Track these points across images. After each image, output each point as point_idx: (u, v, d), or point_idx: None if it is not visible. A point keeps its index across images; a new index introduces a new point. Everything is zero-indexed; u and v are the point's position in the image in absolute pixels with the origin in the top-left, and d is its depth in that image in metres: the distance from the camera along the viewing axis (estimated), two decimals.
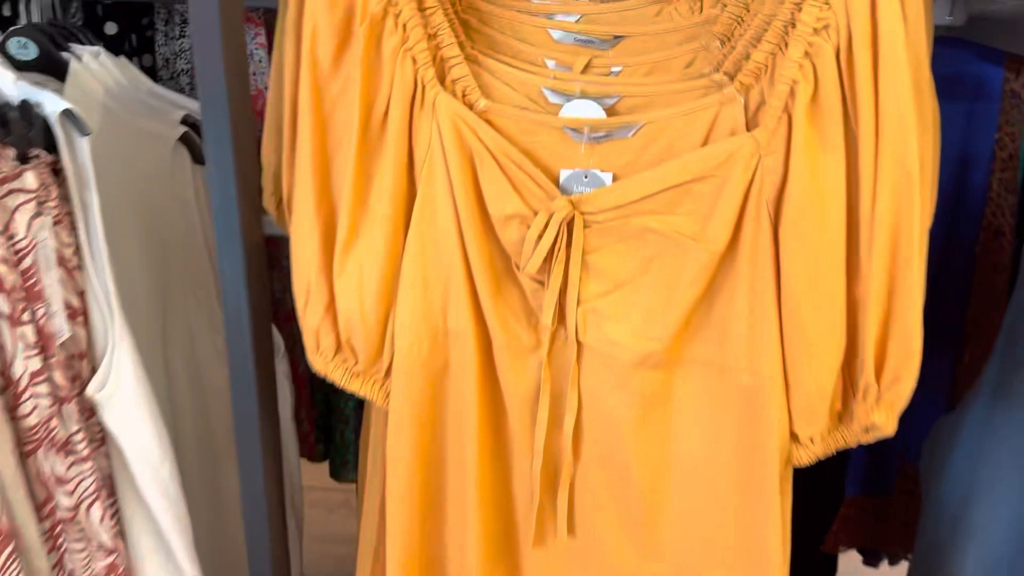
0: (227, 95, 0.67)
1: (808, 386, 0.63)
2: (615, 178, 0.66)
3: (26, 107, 0.71)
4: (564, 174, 0.67)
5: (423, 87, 0.65)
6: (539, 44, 0.71)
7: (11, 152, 0.68)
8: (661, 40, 0.69)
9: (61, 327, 0.69)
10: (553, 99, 0.68)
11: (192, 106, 0.94)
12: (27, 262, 0.68)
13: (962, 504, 0.77)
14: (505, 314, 0.68)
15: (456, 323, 0.68)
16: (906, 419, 0.64)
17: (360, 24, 0.64)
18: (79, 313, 0.71)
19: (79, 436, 0.71)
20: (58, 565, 0.73)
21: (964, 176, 0.96)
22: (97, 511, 0.73)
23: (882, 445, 0.70)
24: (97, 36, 1.09)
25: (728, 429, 0.66)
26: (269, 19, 1.13)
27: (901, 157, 0.59)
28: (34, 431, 0.69)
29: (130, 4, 1.17)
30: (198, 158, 0.89)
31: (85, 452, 0.71)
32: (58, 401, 0.70)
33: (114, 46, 1.18)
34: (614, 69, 0.69)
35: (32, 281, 0.68)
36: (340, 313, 0.69)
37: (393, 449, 0.70)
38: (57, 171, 0.71)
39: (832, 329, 0.62)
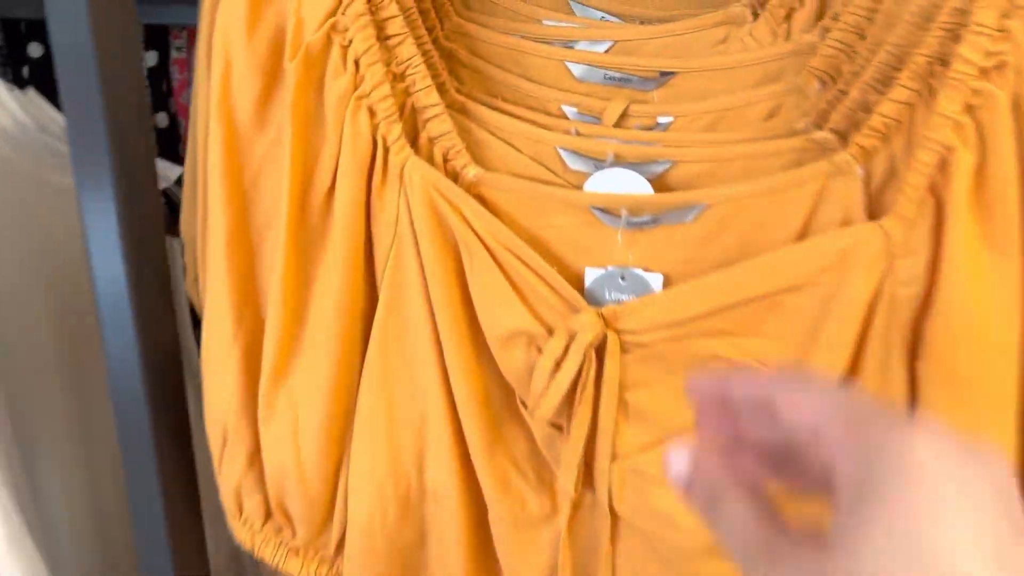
0: (107, 142, 0.47)
1: None
2: (667, 282, 0.46)
3: None
4: (592, 275, 0.46)
5: (386, 150, 0.45)
6: (554, 84, 0.50)
7: None
8: (729, 78, 0.48)
9: None
10: (575, 165, 0.47)
11: None
12: None
13: None
14: (505, 469, 0.48)
15: (435, 481, 0.48)
16: None
17: (291, 59, 0.43)
18: None
19: None
20: None
21: None
22: None
23: None
24: (18, 60, 0.92)
25: None
26: None
27: None
28: None
29: None
30: None
31: None
32: None
33: (40, 72, 0.98)
34: (662, 120, 0.48)
35: None
36: (269, 468, 0.48)
37: None
38: None
39: None
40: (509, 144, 0.48)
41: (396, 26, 0.45)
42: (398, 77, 0.45)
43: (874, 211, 0.42)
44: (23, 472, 0.65)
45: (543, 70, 0.50)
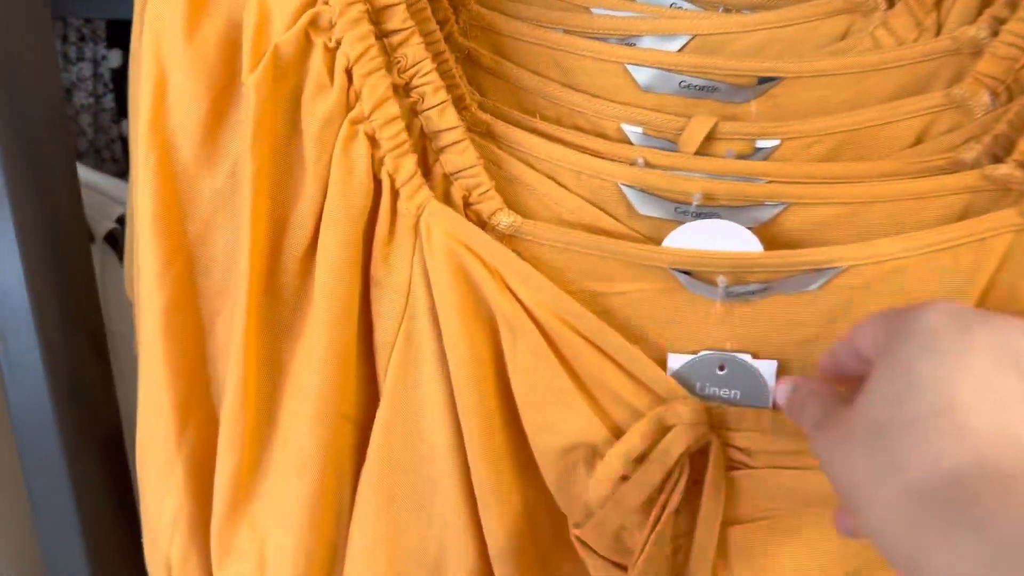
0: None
1: None
2: (782, 371, 0.33)
3: None
4: (677, 361, 0.33)
5: (394, 193, 0.32)
6: (611, 95, 0.37)
7: None
8: (856, 87, 0.35)
9: None
10: (645, 208, 0.34)
11: (103, 183, 0.69)
12: None
13: None
14: None
15: None
16: None
17: (249, 73, 0.30)
18: None
19: None
20: None
21: None
22: None
23: None
24: None
25: None
26: None
27: None
28: None
29: None
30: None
31: None
32: None
33: None
34: (763, 145, 0.35)
35: None
36: None
37: None
38: None
39: None
40: (553, 180, 0.35)
41: (398, 18, 0.32)
42: (400, 90, 0.32)
43: None
44: None
45: (596, 76, 0.37)
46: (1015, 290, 0.30)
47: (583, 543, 0.33)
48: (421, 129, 0.33)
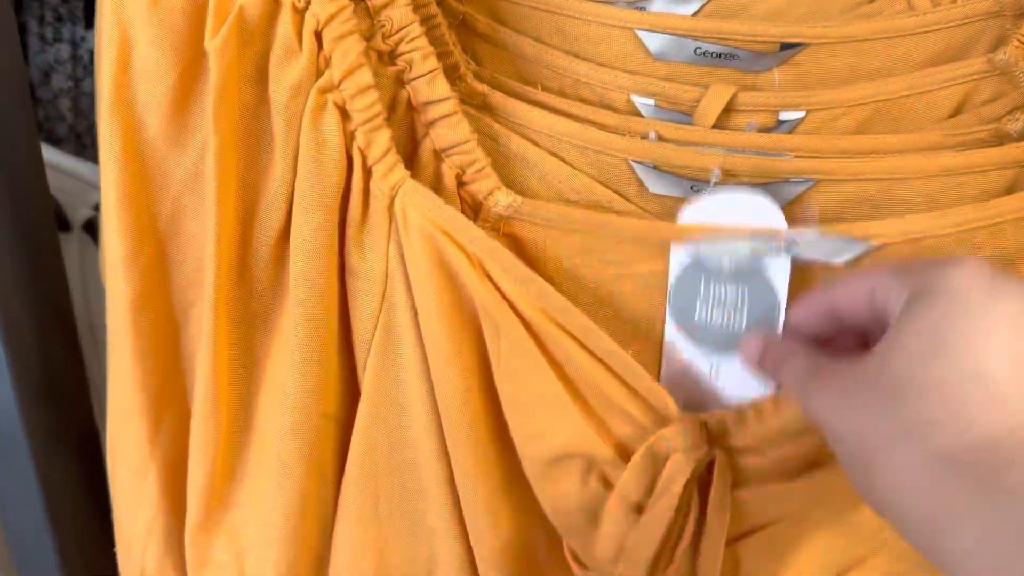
0: None
1: None
2: None
3: None
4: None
5: (367, 171, 0.29)
6: (620, 63, 0.34)
7: None
8: (887, 53, 0.32)
9: None
10: (656, 186, 0.31)
11: (82, 170, 0.64)
12: None
13: None
14: None
15: None
16: None
17: (211, 38, 0.27)
18: None
19: None
20: None
21: None
22: None
23: None
24: None
25: None
26: None
27: None
28: None
29: None
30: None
31: None
32: None
33: None
34: (787, 117, 0.32)
35: None
36: None
37: None
38: None
39: None
40: (556, 156, 0.32)
41: None
42: (385, 57, 0.29)
43: None
44: None
45: (602, 43, 0.34)
46: None
47: (577, 559, 0.31)
48: (408, 101, 0.30)
